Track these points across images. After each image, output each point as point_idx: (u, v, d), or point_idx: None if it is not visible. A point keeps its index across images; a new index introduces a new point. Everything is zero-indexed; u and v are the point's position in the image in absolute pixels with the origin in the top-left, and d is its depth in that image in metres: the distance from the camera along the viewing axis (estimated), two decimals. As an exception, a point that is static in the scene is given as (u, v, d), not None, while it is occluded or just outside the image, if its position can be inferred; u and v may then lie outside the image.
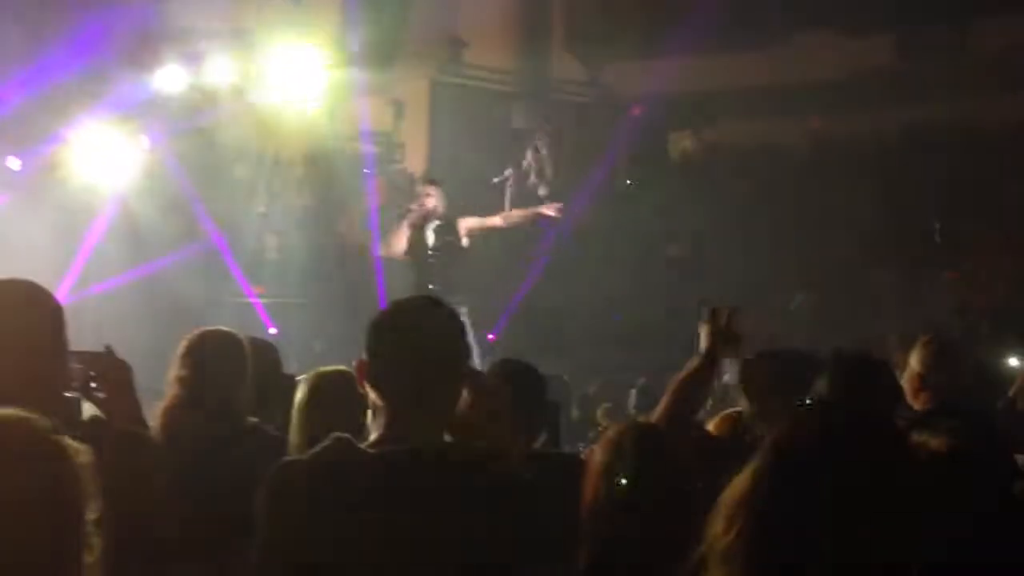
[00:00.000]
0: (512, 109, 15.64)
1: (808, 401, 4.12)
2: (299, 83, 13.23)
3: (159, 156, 12.93)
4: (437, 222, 10.59)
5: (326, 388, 4.13)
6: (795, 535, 1.98)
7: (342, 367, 4.19)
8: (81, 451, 2.02)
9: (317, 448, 2.67)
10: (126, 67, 12.48)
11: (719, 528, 2.05)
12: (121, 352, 3.42)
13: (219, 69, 12.82)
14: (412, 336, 2.73)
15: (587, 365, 11.98)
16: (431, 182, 10.99)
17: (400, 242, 10.39)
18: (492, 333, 12.13)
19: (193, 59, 12.76)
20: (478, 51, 15.26)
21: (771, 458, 2.06)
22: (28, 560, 1.92)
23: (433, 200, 10.60)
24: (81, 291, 11.62)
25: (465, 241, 10.50)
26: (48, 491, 1.96)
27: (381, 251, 10.59)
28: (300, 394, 4.16)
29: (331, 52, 13.39)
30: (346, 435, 2.67)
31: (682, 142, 16.14)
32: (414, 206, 10.53)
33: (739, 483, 2.07)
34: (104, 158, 12.50)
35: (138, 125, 12.84)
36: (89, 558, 1.98)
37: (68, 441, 2.03)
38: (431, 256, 10.40)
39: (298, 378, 4.48)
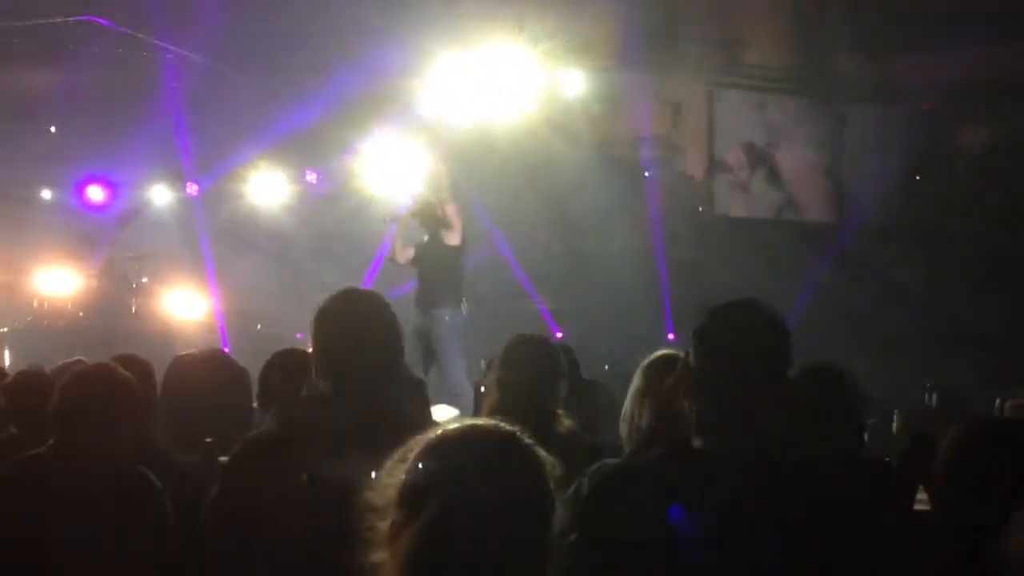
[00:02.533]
0: (783, 108, 15.38)
1: None
2: (578, 88, 13.36)
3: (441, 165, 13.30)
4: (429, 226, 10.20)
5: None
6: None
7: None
8: (555, 465, 2.11)
9: (653, 454, 2.69)
10: (409, 81, 12.90)
11: None
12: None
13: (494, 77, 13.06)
14: (734, 341, 2.71)
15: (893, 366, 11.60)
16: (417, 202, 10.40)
17: (407, 252, 10.05)
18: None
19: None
20: (757, 51, 15.05)
21: None
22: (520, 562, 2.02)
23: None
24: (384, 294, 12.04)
25: (454, 238, 9.95)
26: (534, 498, 2.06)
27: (396, 259, 10.40)
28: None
29: (611, 56, 13.46)
30: (682, 438, 2.68)
31: (972, 135, 15.49)
32: (405, 213, 10.30)
33: None
34: (393, 169, 12.96)
35: (421, 135, 13.27)
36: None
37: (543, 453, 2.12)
38: (427, 261, 10.03)
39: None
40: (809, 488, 2.62)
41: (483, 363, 4.68)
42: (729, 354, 2.69)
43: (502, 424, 2.09)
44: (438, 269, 9.76)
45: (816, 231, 14.29)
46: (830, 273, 13.32)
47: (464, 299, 9.74)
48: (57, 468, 3.70)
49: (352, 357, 3.13)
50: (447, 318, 9.38)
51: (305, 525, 2.90)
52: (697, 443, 2.68)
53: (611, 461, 3.15)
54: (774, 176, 15.17)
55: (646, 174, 14.20)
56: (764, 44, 15.08)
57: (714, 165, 15.02)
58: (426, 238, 9.96)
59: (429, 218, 9.88)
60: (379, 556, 2.02)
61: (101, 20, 13.05)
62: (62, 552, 3.57)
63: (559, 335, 11.84)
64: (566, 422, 4.26)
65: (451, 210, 9.83)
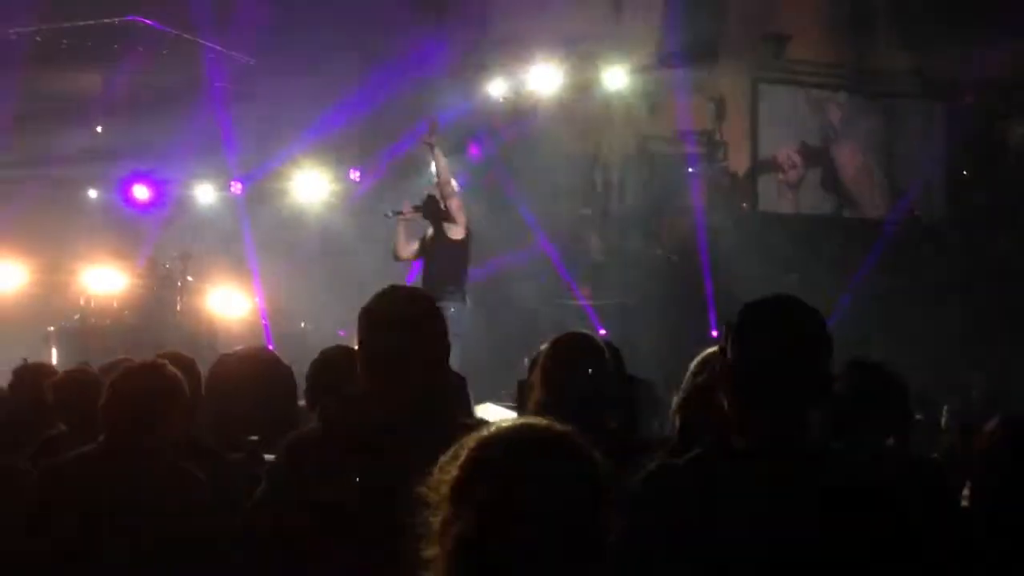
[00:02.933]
0: (828, 104, 15.28)
1: None
2: (619, 85, 13.35)
3: (486, 163, 13.34)
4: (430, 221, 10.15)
5: None
6: None
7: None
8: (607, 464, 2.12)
9: (694, 452, 2.68)
10: (455, 79, 12.93)
11: None
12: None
13: (543, 76, 13.08)
14: (770, 337, 2.69)
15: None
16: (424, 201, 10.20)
17: (411, 247, 10.08)
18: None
19: (517, 67, 13.07)
20: (801, 45, 14.96)
21: None
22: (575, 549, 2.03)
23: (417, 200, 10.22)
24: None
25: (458, 232, 9.90)
26: (586, 498, 2.06)
27: (399, 255, 10.32)
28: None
29: (651, 53, 13.43)
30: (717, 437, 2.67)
31: (1019, 129, 15.33)
32: (406, 208, 10.24)
33: None
34: (434, 168, 12.99)
35: (466, 134, 13.30)
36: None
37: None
38: (431, 255, 9.98)
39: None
40: (851, 486, 2.61)
41: (526, 360, 4.66)
42: (766, 351, 2.67)
43: (555, 423, 2.10)
44: (443, 263, 9.81)
45: (863, 227, 14.19)
46: (877, 269, 13.23)
47: (467, 293, 9.79)
48: (106, 465, 3.74)
49: (397, 355, 3.13)
50: (452, 311, 9.39)
51: (351, 522, 2.90)
52: (737, 441, 2.67)
53: (655, 460, 3.14)
54: (828, 174, 15.08)
55: (689, 170, 14.15)
56: (809, 38, 14.99)
57: (759, 162, 14.94)
58: (429, 232, 9.98)
59: (432, 213, 9.91)
60: (429, 551, 2.03)
61: (146, 20, 13.16)
62: (110, 549, 3.61)
63: (602, 332, 11.82)
64: (612, 419, 4.24)
65: (454, 204, 9.83)
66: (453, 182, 9.91)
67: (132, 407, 3.80)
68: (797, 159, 14.99)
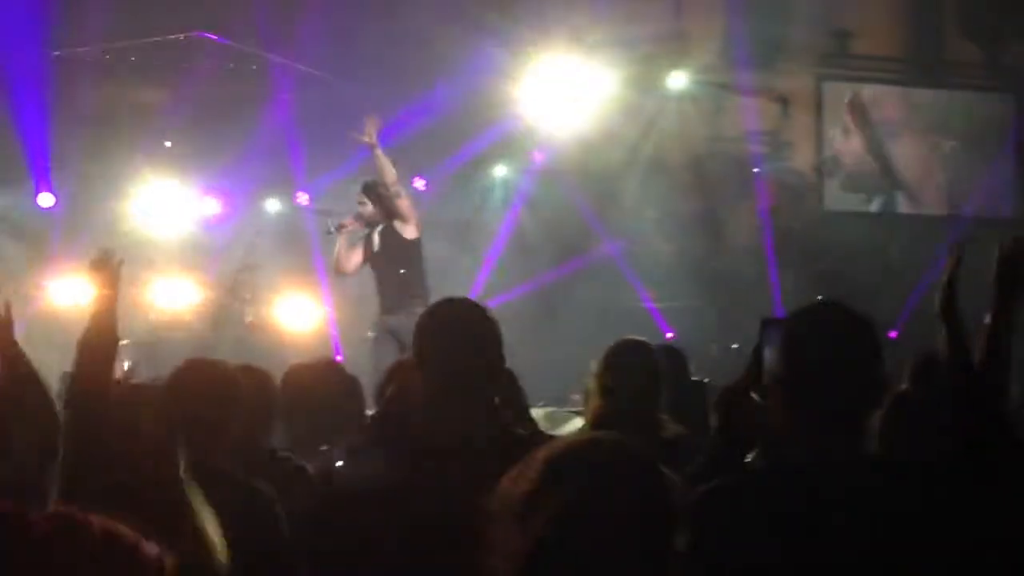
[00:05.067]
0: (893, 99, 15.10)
1: None
2: (682, 86, 13.30)
3: (550, 168, 13.35)
4: (380, 226, 9.88)
5: None
6: None
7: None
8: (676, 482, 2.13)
9: (754, 465, 2.66)
10: (516, 84, 12.94)
11: None
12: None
13: (605, 79, 13.04)
14: (832, 349, 2.66)
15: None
16: (364, 190, 10.02)
17: (354, 257, 9.80)
18: (894, 331, 11.72)
19: (579, 71, 13.04)
20: (866, 40, 14.80)
21: None
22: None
23: (369, 207, 9.89)
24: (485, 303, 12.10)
25: (411, 232, 9.72)
26: (654, 515, 2.07)
27: (333, 272, 10.05)
28: None
29: (714, 53, 13.37)
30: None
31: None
32: (348, 220, 9.91)
33: None
34: (498, 173, 13.06)
35: (529, 140, 13.32)
36: None
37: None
38: (387, 260, 9.73)
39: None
40: (916, 496, 2.56)
41: (592, 364, 4.67)
42: (815, 361, 2.64)
43: (623, 438, 2.10)
44: (403, 265, 9.59)
45: (930, 225, 13.99)
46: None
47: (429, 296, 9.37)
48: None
49: (454, 367, 3.14)
50: (419, 311, 9.13)
51: (411, 533, 2.91)
52: (793, 451, 2.64)
53: (701, 464, 3.12)
54: (891, 171, 14.91)
55: (754, 170, 14.06)
56: (873, 34, 14.84)
57: (825, 159, 14.80)
58: (377, 239, 9.76)
59: (383, 217, 9.68)
60: (497, 565, 2.04)
61: (212, 35, 13.31)
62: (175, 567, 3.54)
63: (669, 335, 11.78)
64: (671, 426, 4.24)
65: (404, 203, 9.65)
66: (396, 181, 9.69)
67: (195, 423, 3.60)
68: (861, 154, 14.82)
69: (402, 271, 9.58)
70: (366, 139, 9.61)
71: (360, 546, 2.94)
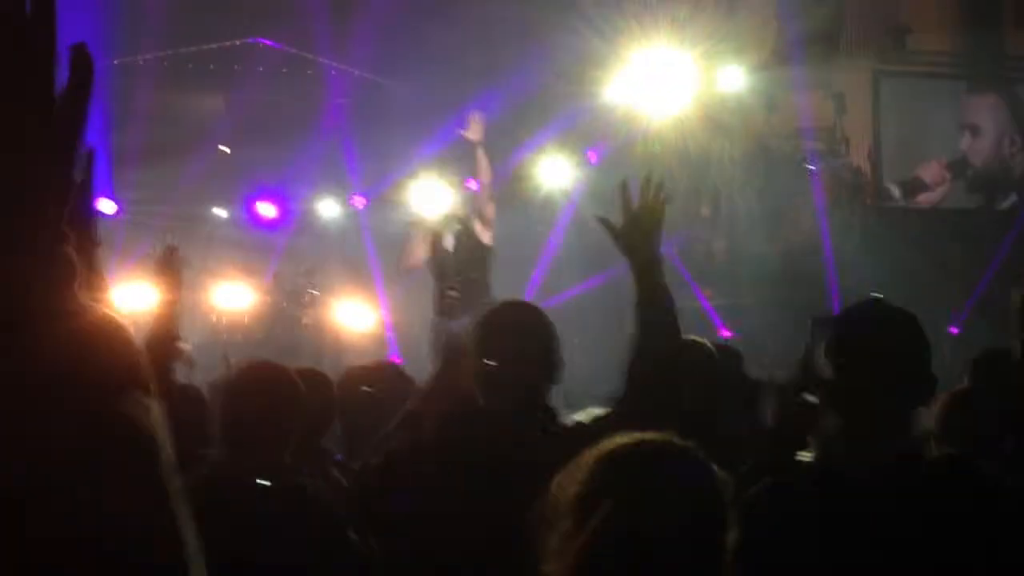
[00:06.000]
0: (958, 97, 14.92)
1: None
2: (737, 84, 13.22)
3: (605, 167, 13.32)
4: (456, 226, 9.69)
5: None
6: None
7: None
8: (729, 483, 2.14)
9: (802, 468, 2.66)
10: (571, 84, 12.94)
11: None
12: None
13: (658, 77, 12.98)
14: (881, 347, 2.64)
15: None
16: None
17: (418, 253, 9.63)
18: (955, 327, 11.60)
19: (633, 70, 13.01)
20: (922, 36, 14.63)
21: None
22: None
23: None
24: (541, 302, 12.10)
25: (488, 237, 9.49)
26: (707, 515, 2.08)
27: (397, 267, 9.78)
28: None
29: (769, 50, 13.28)
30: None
31: None
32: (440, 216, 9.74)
33: None
34: (556, 172, 13.04)
35: (584, 140, 13.30)
36: None
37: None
38: (457, 262, 9.48)
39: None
40: (967, 497, 2.54)
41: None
42: (865, 358, 2.61)
43: (676, 439, 2.10)
44: (478, 268, 9.38)
45: (993, 219, 13.79)
46: (1004, 267, 12.85)
47: None
48: (222, 482, 3.59)
49: (510, 368, 3.15)
50: None
51: (458, 533, 2.93)
52: (843, 451, 2.62)
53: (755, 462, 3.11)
54: (958, 166, 14.73)
55: (810, 168, 13.94)
56: (930, 28, 14.66)
57: (882, 156, 14.66)
58: (455, 240, 9.55)
59: (470, 218, 9.48)
60: (549, 567, 2.04)
61: (266, 41, 13.43)
62: (226, 567, 3.53)
63: (726, 334, 11.71)
64: (726, 426, 4.23)
65: (492, 209, 9.45)
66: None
67: (247, 423, 3.65)
68: (947, 175, 14.63)
69: (474, 275, 9.37)
70: (472, 135, 9.45)
71: (422, 493, 2.97)
